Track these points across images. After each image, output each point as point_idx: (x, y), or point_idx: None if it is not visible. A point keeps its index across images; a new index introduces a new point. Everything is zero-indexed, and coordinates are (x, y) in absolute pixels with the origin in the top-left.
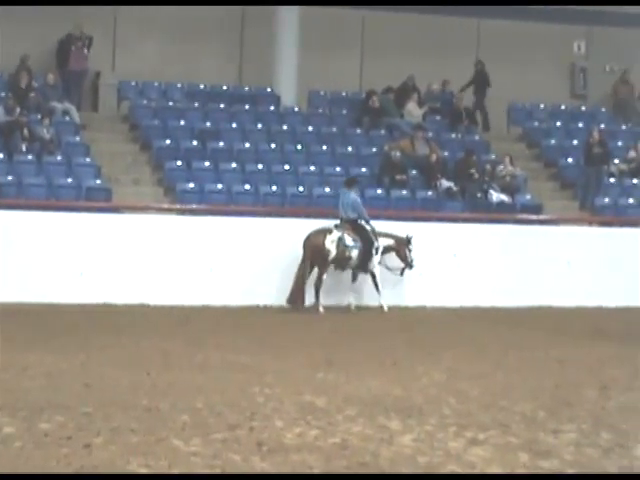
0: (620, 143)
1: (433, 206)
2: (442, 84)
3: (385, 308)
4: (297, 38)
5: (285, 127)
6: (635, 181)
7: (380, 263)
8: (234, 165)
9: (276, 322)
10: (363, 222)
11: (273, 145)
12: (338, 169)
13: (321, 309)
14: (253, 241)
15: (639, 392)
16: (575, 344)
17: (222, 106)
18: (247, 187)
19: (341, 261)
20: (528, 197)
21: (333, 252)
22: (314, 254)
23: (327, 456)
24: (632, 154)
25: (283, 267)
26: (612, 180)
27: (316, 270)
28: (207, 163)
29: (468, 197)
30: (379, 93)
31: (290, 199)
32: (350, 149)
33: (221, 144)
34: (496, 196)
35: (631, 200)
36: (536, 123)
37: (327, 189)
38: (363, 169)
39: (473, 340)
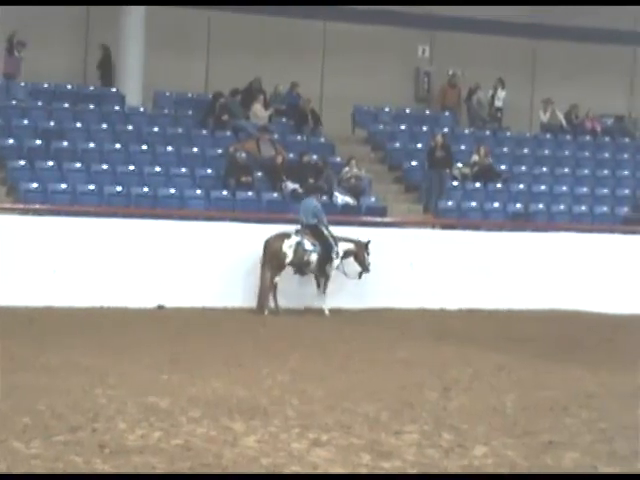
0: (463, 147)
1: (278, 208)
2: (290, 86)
3: (326, 312)
4: (142, 38)
5: (130, 127)
6: (477, 184)
7: (338, 268)
8: (78, 165)
9: (120, 323)
10: (322, 227)
11: (118, 145)
12: (183, 170)
13: (266, 312)
14: (97, 242)
15: (479, 393)
16: (418, 345)
17: (66, 105)
18: (91, 187)
19: (300, 265)
20: (373, 199)
21: (290, 256)
22: (272, 258)
23: (170, 458)
24: (475, 158)
25: (127, 267)
26: (455, 183)
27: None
28: (51, 163)
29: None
30: (225, 94)
31: (135, 199)
32: (195, 150)
33: (65, 144)
34: (341, 198)
35: (473, 203)
36: (381, 126)
37: (172, 190)
38: (209, 170)
39: (318, 342)
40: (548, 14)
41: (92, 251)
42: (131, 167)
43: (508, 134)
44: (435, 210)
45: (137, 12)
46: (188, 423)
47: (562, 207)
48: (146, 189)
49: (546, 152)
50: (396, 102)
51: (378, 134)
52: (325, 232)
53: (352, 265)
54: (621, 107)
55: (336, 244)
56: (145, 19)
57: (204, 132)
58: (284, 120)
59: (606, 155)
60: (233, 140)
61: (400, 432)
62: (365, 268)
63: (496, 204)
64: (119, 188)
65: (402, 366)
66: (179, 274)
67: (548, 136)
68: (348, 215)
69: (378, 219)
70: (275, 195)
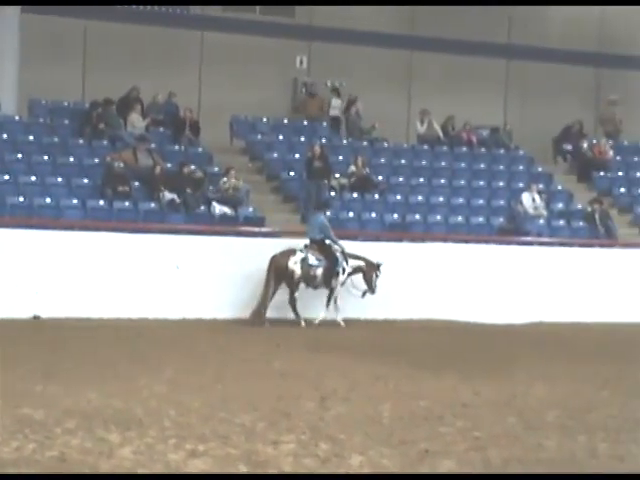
0: (341, 157)
1: (156, 218)
2: (167, 96)
3: (341, 322)
4: (17, 46)
5: (5, 136)
6: (355, 195)
7: (344, 284)
8: None
9: None
10: (330, 242)
11: None
12: (59, 179)
13: (302, 323)
14: None
15: (356, 403)
16: (295, 356)
17: None
18: None
19: (308, 280)
20: (250, 210)
21: (298, 272)
22: (279, 275)
23: (45, 470)
24: (352, 169)
25: (1, 277)
26: (333, 194)
27: (287, 290)
28: None
29: (191, 209)
30: (102, 104)
31: (10, 209)
32: (72, 159)
33: None
34: (219, 209)
35: (351, 214)
36: (259, 136)
37: (48, 199)
38: (85, 180)
39: (194, 352)
40: (424, 26)
41: None
42: (6, 176)
43: (385, 145)
44: None
45: (12, 19)
46: (63, 435)
47: (438, 217)
48: (21, 199)
49: (423, 163)
50: (274, 112)
51: (256, 144)
52: (332, 247)
53: (361, 283)
54: (496, 119)
55: (345, 260)
56: (20, 26)
57: (81, 141)
58: (162, 130)
59: (482, 166)
60: (110, 150)
61: (277, 442)
62: (371, 289)
63: (373, 214)
64: None
65: (279, 377)
66: (55, 284)
67: (425, 147)
68: (226, 225)
69: (256, 229)
70: (152, 205)
